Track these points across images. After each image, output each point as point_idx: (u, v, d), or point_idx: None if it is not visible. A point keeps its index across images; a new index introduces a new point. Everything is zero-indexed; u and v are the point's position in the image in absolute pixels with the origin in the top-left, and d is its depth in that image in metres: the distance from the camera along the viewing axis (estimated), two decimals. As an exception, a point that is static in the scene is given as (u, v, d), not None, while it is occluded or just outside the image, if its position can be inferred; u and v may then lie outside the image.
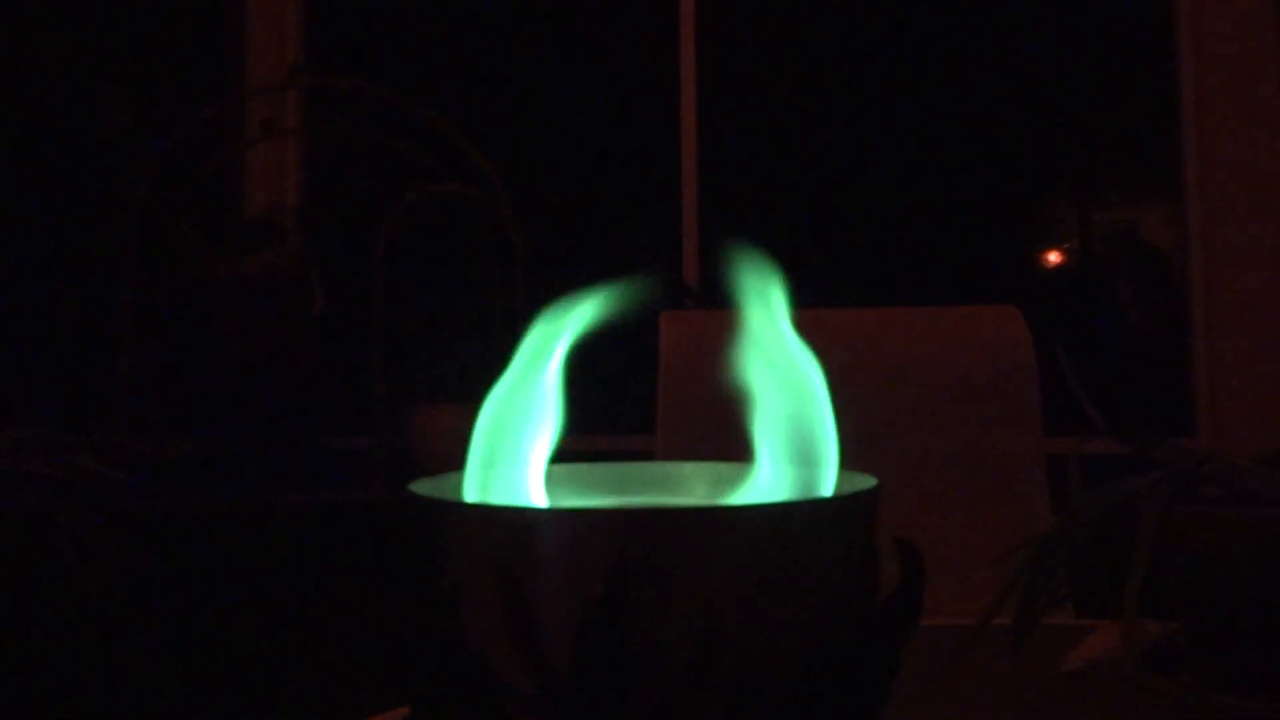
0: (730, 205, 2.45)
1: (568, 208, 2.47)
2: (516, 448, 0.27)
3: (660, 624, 0.20)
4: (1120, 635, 0.51)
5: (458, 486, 0.27)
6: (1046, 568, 0.54)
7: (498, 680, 0.21)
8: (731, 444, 0.30)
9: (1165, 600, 0.52)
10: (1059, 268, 2.52)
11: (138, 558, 1.52)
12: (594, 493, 0.28)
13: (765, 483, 0.27)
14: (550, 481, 0.29)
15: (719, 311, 1.09)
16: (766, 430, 0.27)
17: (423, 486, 0.26)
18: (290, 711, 1.88)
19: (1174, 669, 0.48)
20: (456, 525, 0.22)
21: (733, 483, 0.28)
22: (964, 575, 0.87)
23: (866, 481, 0.25)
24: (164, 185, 2.06)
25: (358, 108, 2.19)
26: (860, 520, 0.23)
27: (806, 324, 1.15)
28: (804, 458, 0.27)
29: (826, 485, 0.26)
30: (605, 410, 1.99)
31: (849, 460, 1.02)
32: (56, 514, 1.45)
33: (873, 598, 0.23)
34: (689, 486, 0.28)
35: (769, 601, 0.21)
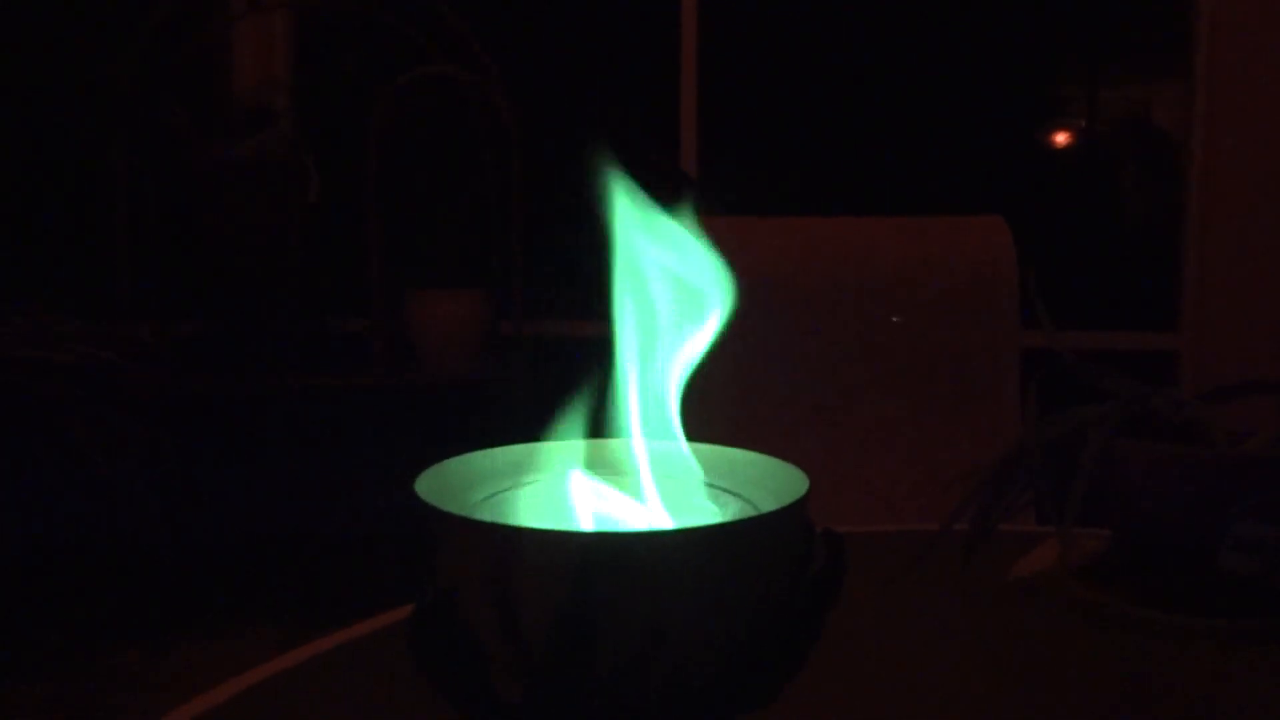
0: (730, 99, 2.41)
1: (563, 93, 2.42)
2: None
3: (617, 624, 0.25)
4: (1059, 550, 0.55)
5: (460, 475, 0.30)
6: (1002, 485, 0.58)
7: (488, 654, 0.26)
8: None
9: (1106, 516, 0.56)
10: (1064, 149, 2.49)
11: (145, 440, 1.57)
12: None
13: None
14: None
15: (710, 216, 1.10)
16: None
17: (425, 484, 0.28)
18: (294, 588, 1.98)
19: (1107, 583, 0.52)
20: (450, 532, 0.26)
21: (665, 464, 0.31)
22: (937, 478, 0.91)
23: (797, 482, 0.28)
24: (150, 62, 2.01)
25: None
26: (792, 524, 0.27)
27: (794, 232, 1.15)
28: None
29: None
30: (583, 295, 2.00)
31: (831, 368, 1.04)
32: (66, 400, 1.49)
33: (802, 580, 0.27)
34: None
35: (709, 602, 0.26)
